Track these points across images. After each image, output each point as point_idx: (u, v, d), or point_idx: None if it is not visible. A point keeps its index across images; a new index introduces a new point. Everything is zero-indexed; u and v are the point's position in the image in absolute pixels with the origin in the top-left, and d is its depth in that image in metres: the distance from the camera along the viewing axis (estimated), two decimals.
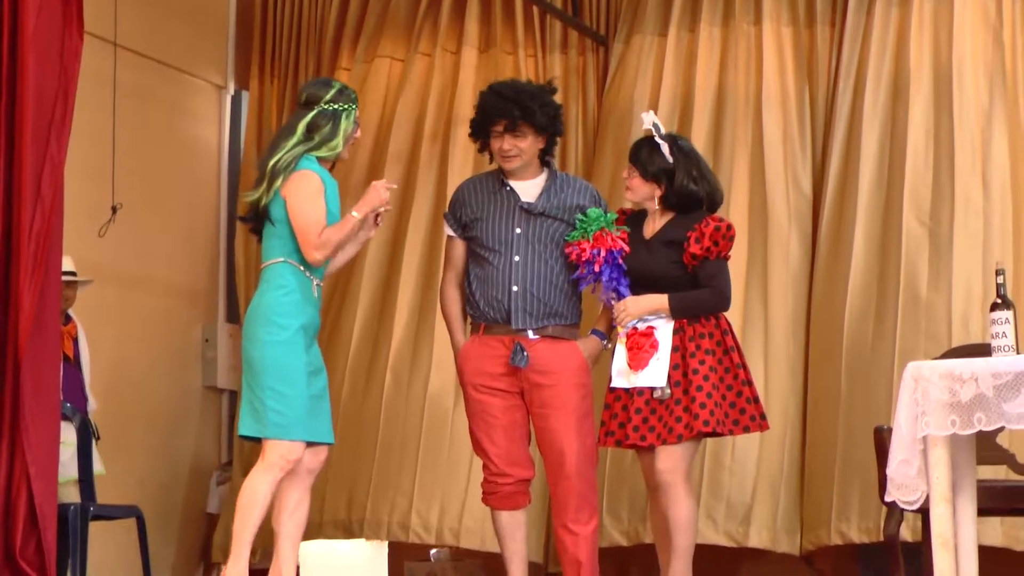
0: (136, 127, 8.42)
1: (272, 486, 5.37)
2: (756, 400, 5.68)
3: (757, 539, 7.61)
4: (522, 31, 8.77)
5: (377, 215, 5.59)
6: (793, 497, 7.78)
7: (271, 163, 5.45)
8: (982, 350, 5.55)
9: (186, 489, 8.90)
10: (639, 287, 5.68)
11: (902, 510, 5.49)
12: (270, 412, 5.34)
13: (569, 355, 5.78)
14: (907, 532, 6.68)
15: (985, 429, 5.04)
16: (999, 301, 5.24)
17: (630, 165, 5.88)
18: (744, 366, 5.68)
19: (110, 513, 6.97)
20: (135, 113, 8.42)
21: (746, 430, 5.70)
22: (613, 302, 5.73)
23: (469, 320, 5.90)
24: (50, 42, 5.43)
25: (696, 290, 5.69)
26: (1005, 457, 6.00)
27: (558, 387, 5.72)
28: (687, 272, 5.69)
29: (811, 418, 7.77)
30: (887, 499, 5.26)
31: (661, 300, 5.65)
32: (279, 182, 5.42)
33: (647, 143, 5.87)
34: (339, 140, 5.48)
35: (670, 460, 5.57)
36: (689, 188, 5.74)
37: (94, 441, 7.02)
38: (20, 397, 5.21)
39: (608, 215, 5.78)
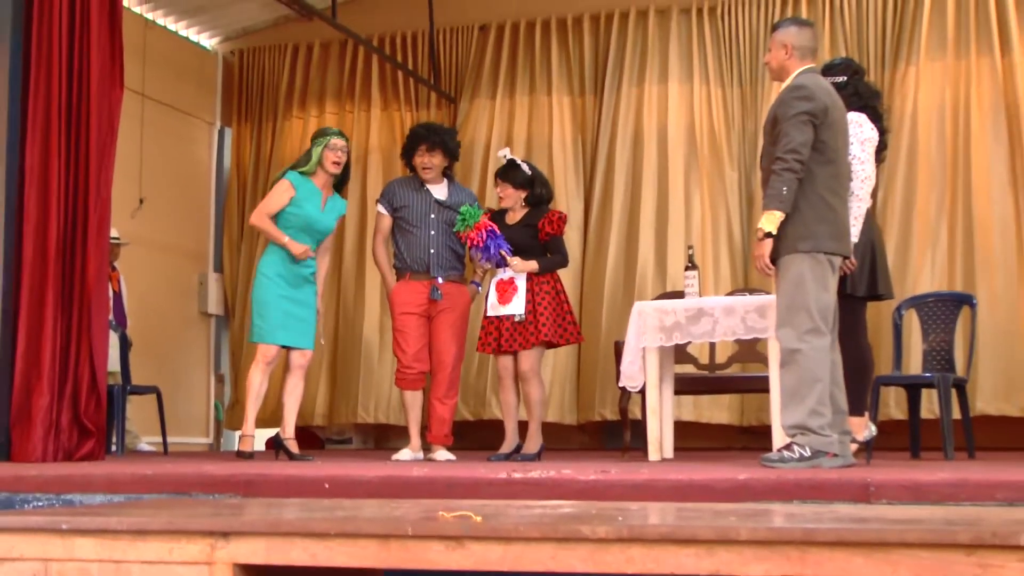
0: (156, 148, 8.37)
1: (262, 375, 5.47)
2: (575, 323, 5.70)
3: (553, 416, 7.92)
4: (403, 94, 8.78)
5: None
6: (572, 389, 8.04)
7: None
8: (679, 295, 5.74)
9: (189, 378, 8.78)
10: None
11: (630, 393, 5.75)
12: (255, 326, 5.57)
13: (462, 294, 5.83)
14: (637, 412, 6.60)
15: (680, 342, 5.28)
16: (689, 265, 5.52)
17: (502, 182, 5.76)
18: (568, 302, 5.71)
19: (140, 390, 6.87)
20: (156, 139, 8.37)
21: (568, 341, 5.65)
22: (506, 257, 5.53)
23: (395, 269, 5.84)
24: (103, 94, 5.27)
25: (551, 256, 5.65)
26: (692, 359, 6.21)
27: (453, 314, 5.75)
28: (538, 243, 5.65)
29: (585, 340, 7.70)
30: (620, 384, 5.47)
31: (534, 265, 5.57)
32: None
33: (511, 166, 5.76)
34: (313, 161, 5.60)
35: (528, 363, 5.54)
36: (542, 193, 5.75)
37: (128, 348, 7.16)
38: (90, 316, 5.11)
39: (476, 209, 5.66)
